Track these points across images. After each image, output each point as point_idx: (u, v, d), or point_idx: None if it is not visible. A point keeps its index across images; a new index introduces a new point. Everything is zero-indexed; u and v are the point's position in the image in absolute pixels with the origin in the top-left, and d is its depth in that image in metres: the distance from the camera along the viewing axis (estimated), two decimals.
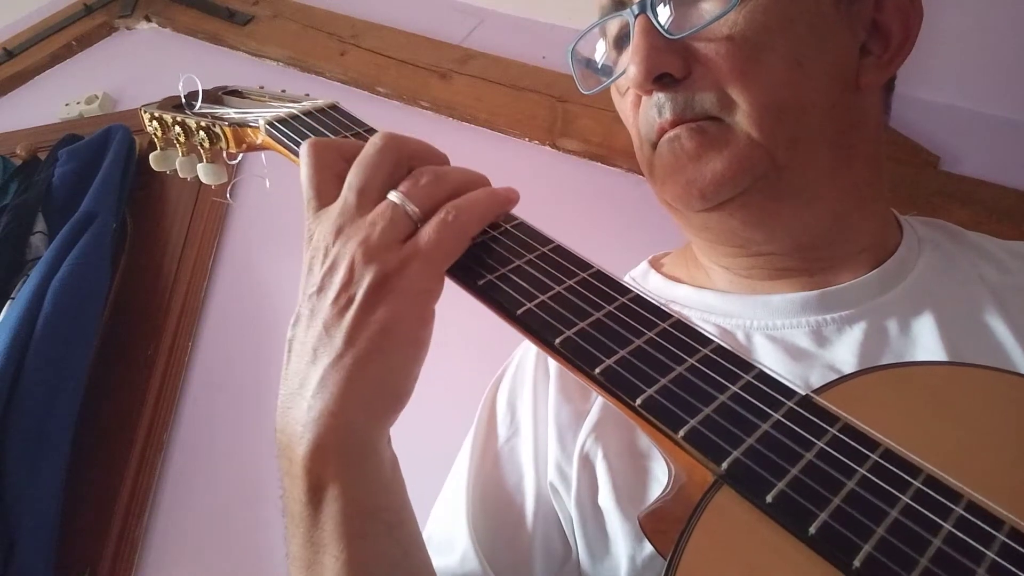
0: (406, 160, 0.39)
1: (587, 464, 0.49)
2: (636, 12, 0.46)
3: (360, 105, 1.21)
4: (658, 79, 0.46)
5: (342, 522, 0.34)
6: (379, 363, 0.34)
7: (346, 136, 0.48)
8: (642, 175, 1.04)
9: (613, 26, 0.53)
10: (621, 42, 0.52)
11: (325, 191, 0.39)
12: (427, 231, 0.36)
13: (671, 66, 0.45)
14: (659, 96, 0.47)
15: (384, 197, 0.37)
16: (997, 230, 0.79)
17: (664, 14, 0.46)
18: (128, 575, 0.83)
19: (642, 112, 0.50)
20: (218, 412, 0.96)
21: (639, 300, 0.36)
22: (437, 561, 0.50)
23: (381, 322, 0.34)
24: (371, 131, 0.49)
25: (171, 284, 1.07)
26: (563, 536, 0.50)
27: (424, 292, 0.35)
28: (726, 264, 0.54)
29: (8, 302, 1.01)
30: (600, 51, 0.56)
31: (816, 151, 0.47)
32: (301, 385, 0.35)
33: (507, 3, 1.22)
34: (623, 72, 0.49)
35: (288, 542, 0.37)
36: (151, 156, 0.64)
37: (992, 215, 0.83)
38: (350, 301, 0.34)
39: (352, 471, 0.35)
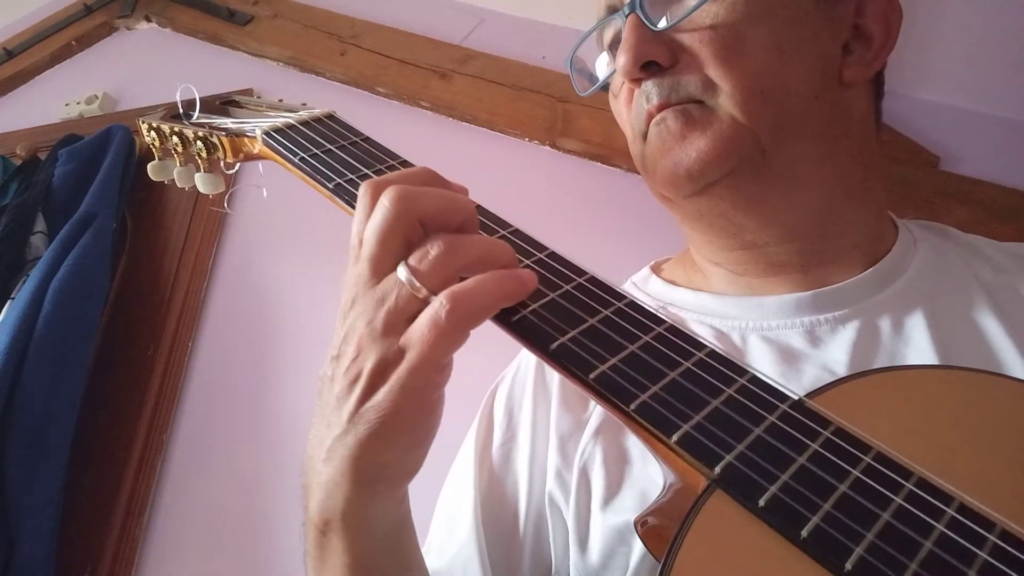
0: (421, 222, 0.35)
1: (585, 473, 0.49)
2: (627, 12, 0.50)
3: (360, 105, 1.22)
4: (645, 67, 0.49)
5: (345, 573, 0.36)
6: (379, 448, 0.34)
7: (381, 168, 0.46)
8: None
9: (609, 34, 0.56)
10: (617, 46, 0.53)
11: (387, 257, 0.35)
12: (420, 327, 0.32)
13: (657, 55, 0.48)
14: (647, 85, 0.50)
15: (396, 266, 0.34)
16: (997, 230, 0.79)
17: (652, 10, 0.49)
18: (128, 575, 0.83)
19: (634, 106, 0.53)
20: (218, 412, 0.96)
21: (633, 305, 0.36)
22: (436, 564, 0.51)
23: (380, 410, 0.33)
24: (406, 163, 0.47)
25: (171, 284, 1.07)
26: (549, 545, 0.51)
27: (421, 388, 0.33)
28: (720, 260, 0.55)
29: (8, 302, 1.01)
30: (601, 62, 0.58)
31: (800, 138, 0.48)
32: (319, 443, 0.36)
33: (507, 3, 1.22)
34: (614, 71, 0.52)
35: (304, 558, 0.39)
36: (149, 166, 0.64)
37: (992, 215, 0.82)
38: (356, 378, 0.34)
39: (353, 534, 0.36)
